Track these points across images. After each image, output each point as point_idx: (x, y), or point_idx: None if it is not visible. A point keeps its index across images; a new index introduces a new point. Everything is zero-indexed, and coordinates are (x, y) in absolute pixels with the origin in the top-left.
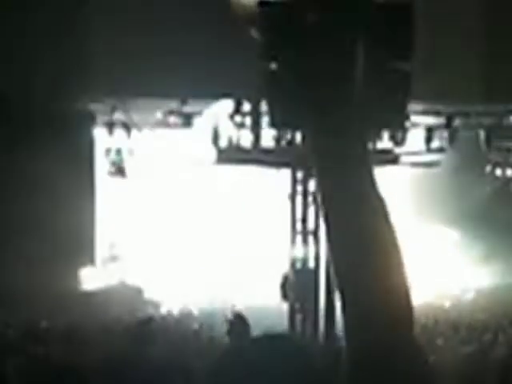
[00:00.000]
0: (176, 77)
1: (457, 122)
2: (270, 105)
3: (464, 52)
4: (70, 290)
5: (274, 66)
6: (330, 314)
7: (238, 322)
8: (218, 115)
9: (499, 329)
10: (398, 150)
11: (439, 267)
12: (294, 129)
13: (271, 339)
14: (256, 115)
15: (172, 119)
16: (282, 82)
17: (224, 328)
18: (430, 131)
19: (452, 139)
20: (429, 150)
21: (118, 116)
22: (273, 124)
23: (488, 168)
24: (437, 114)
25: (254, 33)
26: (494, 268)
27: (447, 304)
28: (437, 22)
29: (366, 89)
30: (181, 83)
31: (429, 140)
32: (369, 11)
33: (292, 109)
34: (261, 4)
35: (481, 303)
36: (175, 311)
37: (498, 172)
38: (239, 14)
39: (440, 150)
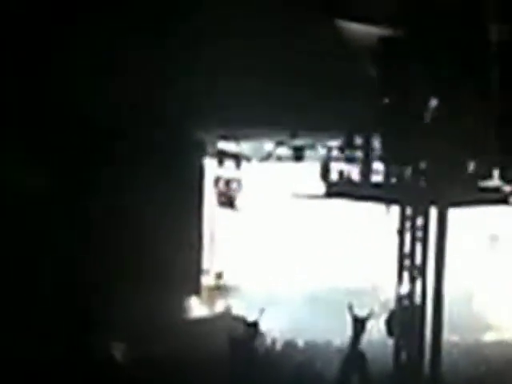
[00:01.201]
0: (288, 109)
1: None
2: (384, 140)
3: None
4: (176, 318)
5: (389, 101)
6: (435, 351)
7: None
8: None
9: None
10: (507, 189)
11: None
12: (406, 165)
13: None
14: (367, 149)
15: (282, 151)
16: (397, 118)
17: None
18: None
19: None
20: None
21: (229, 147)
22: (385, 159)
23: None
24: None
25: (370, 68)
26: None
27: None
28: None
29: (480, 128)
30: (292, 115)
31: None
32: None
33: (405, 145)
34: (381, 40)
35: None
36: (280, 342)
37: None
38: (357, 48)
39: None
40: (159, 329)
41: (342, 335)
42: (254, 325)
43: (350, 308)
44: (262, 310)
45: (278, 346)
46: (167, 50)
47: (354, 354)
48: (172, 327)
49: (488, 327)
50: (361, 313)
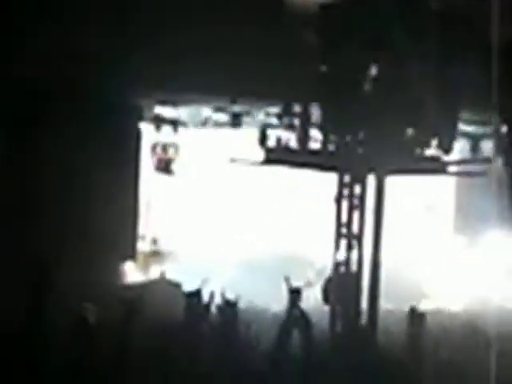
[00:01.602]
0: (226, 75)
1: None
2: (322, 108)
3: None
4: (110, 283)
5: (328, 69)
6: (372, 319)
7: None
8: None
9: None
10: (445, 159)
11: (478, 276)
12: (344, 133)
13: None
14: (305, 117)
15: (220, 117)
16: (335, 86)
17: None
18: (476, 140)
19: (499, 149)
20: (475, 160)
21: (166, 112)
22: (323, 127)
23: None
24: (484, 123)
25: (309, 36)
26: None
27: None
28: None
29: (420, 97)
30: (230, 82)
31: (475, 149)
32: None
33: (344, 113)
34: (322, 7)
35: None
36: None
37: None
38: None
39: (486, 160)
40: (94, 293)
41: (280, 302)
42: (197, 294)
43: (287, 280)
44: (205, 280)
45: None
46: (103, 12)
47: (290, 324)
48: (107, 292)
49: (423, 296)
50: (297, 283)
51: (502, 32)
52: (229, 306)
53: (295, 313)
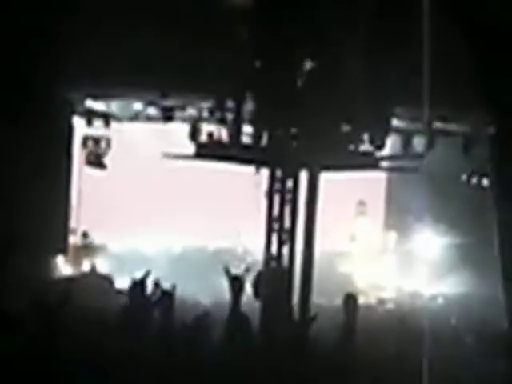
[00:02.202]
0: (158, 69)
1: (436, 128)
2: (254, 102)
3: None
4: (41, 277)
5: (261, 63)
6: (303, 315)
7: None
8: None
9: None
10: (376, 154)
11: (409, 271)
12: (277, 127)
13: None
14: (237, 112)
15: (152, 112)
16: (268, 81)
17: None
18: (408, 136)
19: (430, 145)
20: (407, 156)
21: (97, 106)
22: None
23: (464, 177)
24: (416, 119)
25: (243, 29)
26: (465, 277)
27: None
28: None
29: (353, 92)
30: (162, 76)
31: (407, 145)
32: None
33: (276, 108)
34: (255, 1)
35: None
36: None
37: (474, 181)
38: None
39: (418, 155)
40: (24, 287)
41: (209, 295)
42: (141, 284)
43: (227, 271)
44: (148, 272)
45: None
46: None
47: (237, 315)
48: (37, 285)
49: (355, 291)
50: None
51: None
52: (165, 295)
53: (238, 307)
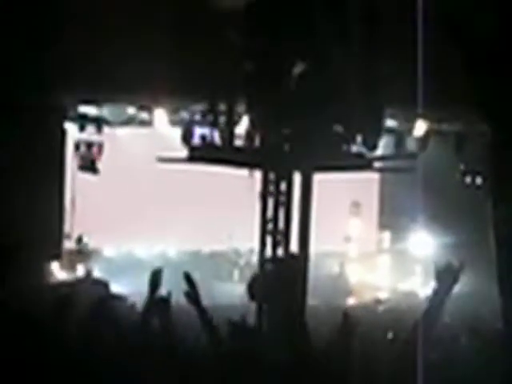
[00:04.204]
0: (150, 74)
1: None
2: (247, 105)
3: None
4: (36, 282)
5: (253, 65)
6: (299, 315)
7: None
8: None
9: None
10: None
11: (404, 271)
12: (270, 129)
13: None
14: (230, 114)
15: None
16: (260, 83)
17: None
18: (400, 136)
19: (423, 145)
20: (400, 156)
21: (89, 110)
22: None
23: (457, 176)
24: (410, 119)
25: (234, 32)
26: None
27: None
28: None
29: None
30: (154, 80)
31: (400, 145)
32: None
33: (269, 110)
34: (246, 5)
35: None
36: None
37: (468, 180)
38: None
39: (411, 155)
40: (18, 293)
41: (203, 299)
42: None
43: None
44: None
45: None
46: (26, 9)
47: None
48: (32, 291)
49: (349, 292)
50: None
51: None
52: (162, 301)
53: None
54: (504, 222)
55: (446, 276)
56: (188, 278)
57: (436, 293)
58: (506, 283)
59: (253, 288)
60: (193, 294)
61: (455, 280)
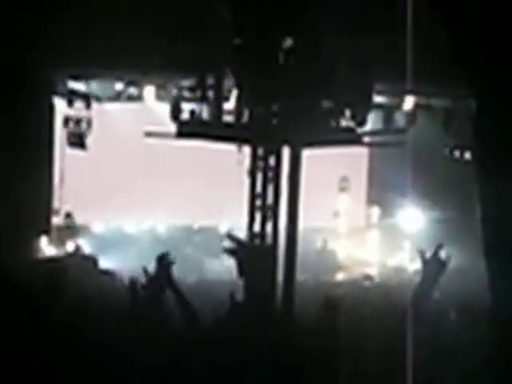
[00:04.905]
0: (138, 49)
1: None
2: (235, 80)
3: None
4: (24, 257)
5: (242, 40)
6: (288, 292)
7: None
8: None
9: None
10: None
11: (393, 246)
12: (259, 105)
13: None
14: (218, 89)
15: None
16: (249, 58)
17: None
18: (390, 111)
19: (412, 120)
20: (389, 130)
21: (78, 86)
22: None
23: (446, 150)
24: (399, 94)
25: (222, 7)
26: (448, 251)
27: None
28: None
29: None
30: (142, 55)
31: (389, 120)
32: None
33: (258, 85)
34: None
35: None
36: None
37: (457, 155)
38: None
39: (400, 130)
40: (7, 267)
41: (190, 273)
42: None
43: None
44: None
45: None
46: None
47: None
48: (21, 266)
49: (338, 267)
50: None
51: None
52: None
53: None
54: (490, 197)
55: (433, 264)
56: (160, 260)
57: (423, 281)
58: (492, 258)
59: (241, 263)
60: (164, 274)
61: (442, 268)
